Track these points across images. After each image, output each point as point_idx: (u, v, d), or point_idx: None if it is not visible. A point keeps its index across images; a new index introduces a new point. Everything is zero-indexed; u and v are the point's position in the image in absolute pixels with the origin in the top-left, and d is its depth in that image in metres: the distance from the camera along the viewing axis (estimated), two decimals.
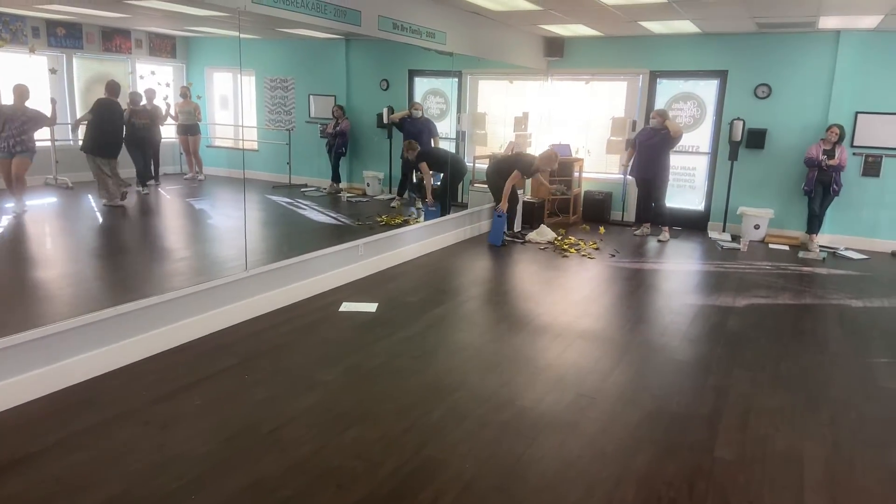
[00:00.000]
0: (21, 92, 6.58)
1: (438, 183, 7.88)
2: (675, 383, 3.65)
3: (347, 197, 9.52)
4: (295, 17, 4.46)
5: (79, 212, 8.11)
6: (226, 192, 9.94)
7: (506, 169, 7.12)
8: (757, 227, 7.61)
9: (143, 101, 8.45)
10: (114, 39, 9.99)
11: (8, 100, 6.62)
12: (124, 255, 5.92)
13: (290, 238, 6.83)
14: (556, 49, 8.52)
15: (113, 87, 7.75)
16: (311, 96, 10.52)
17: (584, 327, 4.49)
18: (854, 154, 7.22)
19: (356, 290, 5.18)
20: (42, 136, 8.78)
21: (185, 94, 9.74)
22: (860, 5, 5.69)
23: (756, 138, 7.66)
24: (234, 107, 11.57)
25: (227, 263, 5.33)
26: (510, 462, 2.76)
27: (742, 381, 3.68)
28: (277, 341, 4.04)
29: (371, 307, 4.73)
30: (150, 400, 3.19)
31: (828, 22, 6.57)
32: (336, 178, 9.95)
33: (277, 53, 10.41)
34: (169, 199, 8.81)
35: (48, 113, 6.93)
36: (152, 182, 8.34)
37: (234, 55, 11.27)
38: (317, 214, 8.21)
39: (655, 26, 7.27)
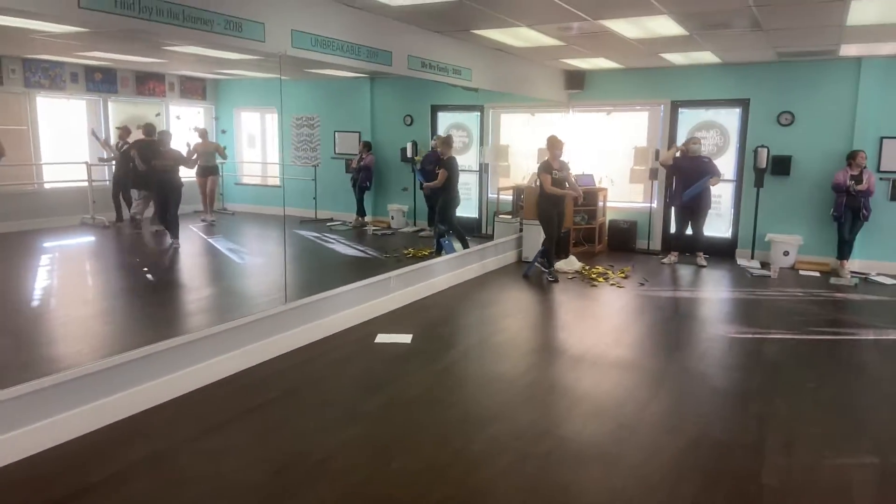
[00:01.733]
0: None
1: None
2: (715, 411, 3.64)
3: (373, 230, 9.67)
4: (331, 59, 4.65)
5: (116, 248, 8.34)
6: (253, 227, 10.17)
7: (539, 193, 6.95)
8: (786, 253, 7.57)
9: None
10: (147, 83, 10.39)
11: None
12: (165, 293, 6.07)
13: (322, 271, 6.95)
14: (576, 82, 8.68)
15: (149, 129, 8.09)
16: (336, 133, 10.78)
17: (619, 356, 4.50)
18: (881, 179, 7.20)
19: (390, 321, 5.25)
20: (80, 177, 9.12)
21: (203, 135, 9.84)
22: (880, 34, 5.76)
23: (781, 165, 7.68)
24: (261, 145, 11.90)
25: (264, 298, 5.45)
26: (556, 493, 2.77)
27: (783, 409, 3.66)
28: (318, 373, 4.11)
29: (406, 338, 4.80)
30: (200, 431, 3.27)
31: (849, 49, 6.64)
32: (361, 211, 10.13)
33: (303, 92, 10.72)
34: (200, 235, 9.02)
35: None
36: (175, 243, 7.70)
37: (261, 96, 11.62)
38: (344, 248, 8.34)
39: (676, 58, 7.39)
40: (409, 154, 9.80)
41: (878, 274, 7.11)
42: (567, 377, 4.08)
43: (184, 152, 8.08)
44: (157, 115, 10.48)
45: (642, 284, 6.69)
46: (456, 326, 5.23)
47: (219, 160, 9.97)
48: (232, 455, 3.03)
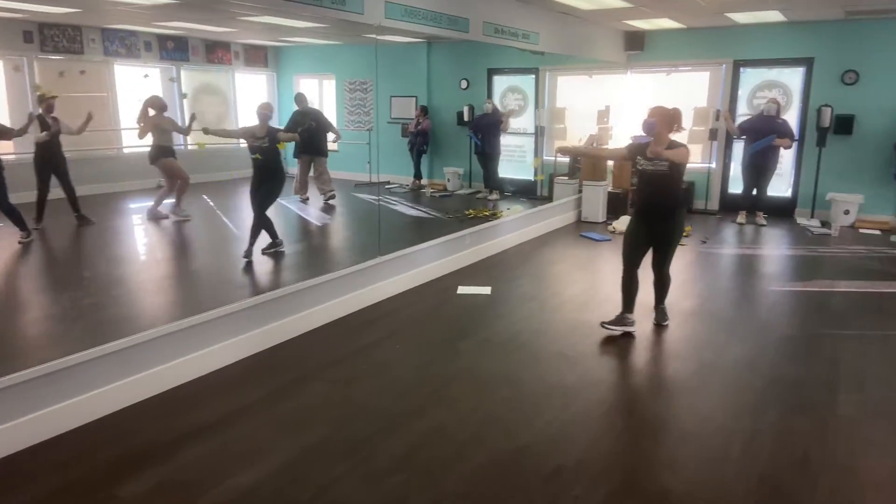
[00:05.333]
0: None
1: None
2: (789, 355, 3.91)
3: (431, 192, 10.00)
4: (418, 28, 4.93)
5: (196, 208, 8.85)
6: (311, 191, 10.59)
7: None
8: (847, 212, 7.64)
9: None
10: (216, 51, 10.80)
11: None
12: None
13: (393, 230, 7.33)
14: (636, 43, 8.74)
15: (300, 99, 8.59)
16: (391, 98, 11.05)
17: (691, 306, 4.78)
18: None
19: (466, 275, 5.62)
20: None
21: (154, 105, 7.08)
22: None
23: (844, 124, 7.69)
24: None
25: (354, 253, 5.85)
26: (649, 419, 3.13)
27: (853, 352, 3.91)
28: (414, 317, 4.52)
29: (486, 290, 5.16)
30: (327, 363, 3.71)
31: None
32: (418, 174, 10.45)
33: (357, 58, 10.98)
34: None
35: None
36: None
37: (319, 62, 11.85)
38: (407, 209, 8.70)
39: (741, 17, 7.41)
40: (465, 118, 10.05)
41: None
42: (645, 325, 4.37)
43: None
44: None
45: (704, 242, 6.89)
46: (530, 280, 5.57)
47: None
48: (357, 384, 3.46)
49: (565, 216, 8.05)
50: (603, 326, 4.16)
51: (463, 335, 4.20)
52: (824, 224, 7.67)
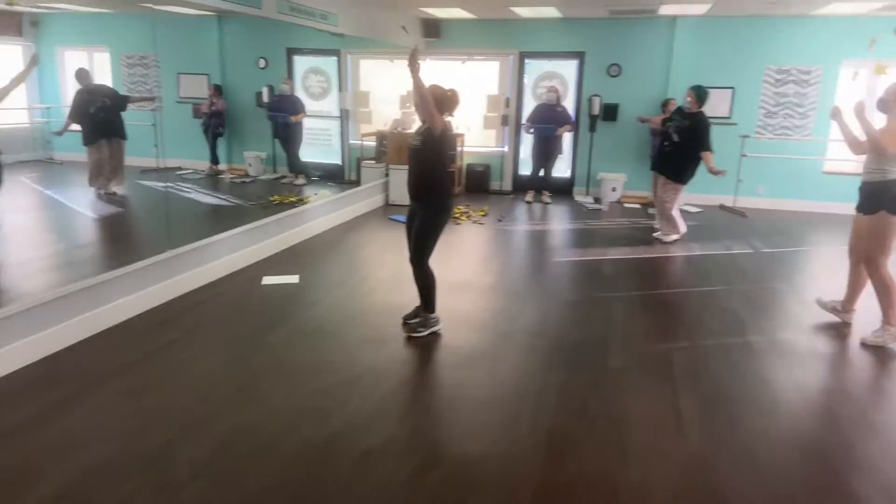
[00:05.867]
0: None
1: None
2: (570, 317, 4.42)
3: (230, 178, 9.45)
4: (202, 0, 4.58)
5: None
6: (77, 176, 9.37)
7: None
8: (614, 189, 8.76)
9: None
10: None
11: None
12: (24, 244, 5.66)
13: (189, 221, 6.81)
14: (433, 30, 9.05)
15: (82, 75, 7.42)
16: (179, 75, 10.19)
17: (489, 282, 5.16)
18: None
19: (273, 265, 5.44)
20: None
21: None
22: None
23: (611, 112, 8.78)
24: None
25: (144, 246, 5.34)
26: (455, 388, 3.34)
27: (620, 311, 4.54)
28: (214, 313, 4.27)
29: (293, 279, 5.05)
30: (111, 372, 3.36)
31: (667, 9, 7.71)
32: (215, 159, 9.80)
33: (135, 29, 9.89)
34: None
35: None
36: None
37: (88, 33, 10.51)
38: (204, 197, 8.15)
39: (524, 11, 8.04)
40: (265, 98, 9.62)
41: (687, 204, 8.54)
42: (448, 301, 4.60)
43: None
44: None
45: (500, 220, 7.44)
46: (339, 266, 5.56)
47: None
48: (149, 392, 3.19)
49: (373, 200, 8.14)
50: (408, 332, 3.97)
51: (271, 327, 4.07)
52: (597, 200, 8.73)
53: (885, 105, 3.89)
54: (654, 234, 6.77)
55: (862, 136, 4.05)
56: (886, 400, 3.40)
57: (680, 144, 6.30)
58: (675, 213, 6.59)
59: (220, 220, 6.84)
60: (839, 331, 4.24)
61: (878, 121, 4.00)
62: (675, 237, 6.59)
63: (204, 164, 9.76)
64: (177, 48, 9.96)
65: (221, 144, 9.87)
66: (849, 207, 8.44)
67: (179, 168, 9.82)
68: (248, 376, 3.38)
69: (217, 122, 9.62)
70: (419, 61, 3.46)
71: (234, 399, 3.13)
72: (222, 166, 9.87)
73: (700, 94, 6.25)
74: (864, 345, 4.00)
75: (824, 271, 5.85)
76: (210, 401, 3.11)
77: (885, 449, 2.84)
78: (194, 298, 4.52)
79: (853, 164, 8.09)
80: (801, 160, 8.25)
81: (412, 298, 4.20)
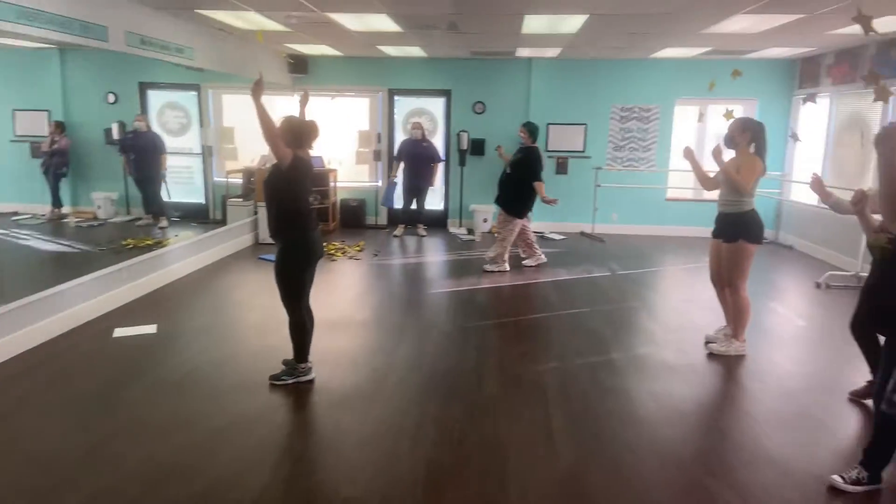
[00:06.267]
0: None
1: None
2: (445, 348, 4.47)
3: (76, 222, 8.67)
4: (43, 34, 4.22)
5: None
6: None
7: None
8: (485, 220, 9.09)
9: None
10: None
11: None
12: None
13: (27, 272, 6.15)
14: (300, 67, 8.98)
15: None
16: (14, 112, 9.28)
17: (366, 317, 5.11)
18: (549, 157, 9.11)
19: (127, 314, 5.02)
20: None
21: None
22: (544, 41, 7.32)
23: (478, 147, 9.15)
24: None
25: None
26: (325, 430, 3.24)
27: (494, 338, 4.68)
28: (58, 374, 3.84)
29: (150, 329, 4.68)
30: None
31: (523, 52, 8.24)
32: (57, 202, 8.95)
33: None
34: None
35: None
36: None
37: None
38: (45, 244, 7.41)
39: (391, 50, 8.22)
40: (115, 136, 8.97)
41: (552, 232, 9.05)
42: (324, 340, 4.50)
43: None
44: None
45: (376, 255, 7.43)
46: (204, 311, 5.25)
47: None
48: None
49: (241, 239, 7.81)
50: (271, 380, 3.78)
51: (125, 382, 3.73)
52: (470, 231, 9.00)
53: (732, 141, 4.28)
54: (524, 262, 7.09)
55: (711, 173, 4.47)
56: (732, 406, 3.77)
57: (512, 176, 6.70)
58: (525, 241, 7.00)
59: (63, 268, 6.24)
60: (689, 344, 4.66)
61: (728, 154, 4.36)
62: (541, 261, 6.99)
63: (45, 208, 8.88)
64: (11, 82, 9.09)
65: (65, 186, 9.03)
66: (688, 230, 9.38)
67: (15, 213, 8.88)
68: (98, 439, 3.06)
69: (59, 162, 8.81)
70: (299, 96, 3.34)
71: (83, 466, 2.82)
72: (66, 209, 9.03)
73: (531, 129, 6.76)
74: (710, 355, 4.41)
75: (672, 290, 6.43)
76: (53, 472, 2.77)
77: (735, 451, 3.13)
78: (27, 361, 4.03)
79: (691, 191, 9.08)
80: (646, 189, 9.07)
81: (283, 340, 4.03)
